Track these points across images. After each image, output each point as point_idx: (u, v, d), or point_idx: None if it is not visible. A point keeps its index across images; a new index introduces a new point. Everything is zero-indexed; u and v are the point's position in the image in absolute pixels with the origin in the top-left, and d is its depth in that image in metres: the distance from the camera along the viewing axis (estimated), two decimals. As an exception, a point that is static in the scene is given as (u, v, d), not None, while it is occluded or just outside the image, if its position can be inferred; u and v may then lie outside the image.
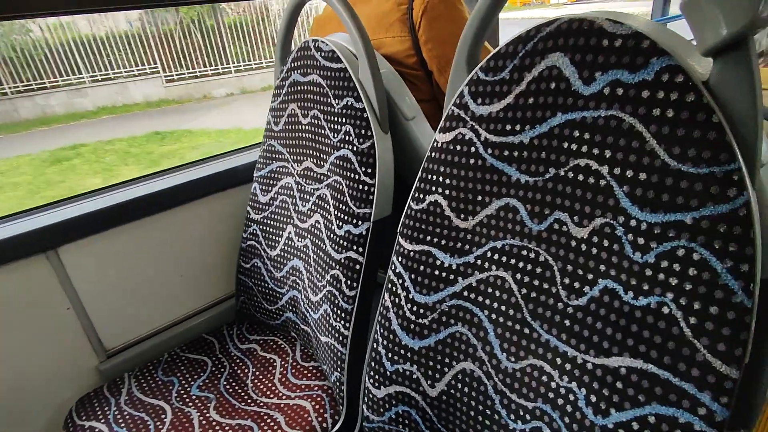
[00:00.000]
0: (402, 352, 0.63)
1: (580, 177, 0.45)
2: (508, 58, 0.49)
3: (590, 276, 0.45)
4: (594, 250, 0.44)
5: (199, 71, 7.90)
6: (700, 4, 0.36)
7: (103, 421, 0.82)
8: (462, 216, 0.56)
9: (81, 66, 7.15)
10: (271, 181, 0.95)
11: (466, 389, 0.58)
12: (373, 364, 0.67)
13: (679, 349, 0.38)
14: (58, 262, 0.87)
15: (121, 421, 0.82)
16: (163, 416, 0.82)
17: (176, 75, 7.79)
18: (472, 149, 0.54)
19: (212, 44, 7.91)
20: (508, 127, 0.50)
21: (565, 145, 0.45)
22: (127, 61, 7.48)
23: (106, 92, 7.37)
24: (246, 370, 0.93)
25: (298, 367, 0.91)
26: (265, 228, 0.96)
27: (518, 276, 0.51)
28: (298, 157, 0.87)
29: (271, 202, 0.95)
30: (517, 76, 0.48)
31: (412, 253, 0.61)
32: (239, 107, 7.35)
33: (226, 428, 0.79)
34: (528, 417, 0.51)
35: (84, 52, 7.14)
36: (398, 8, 0.82)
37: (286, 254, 0.92)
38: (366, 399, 0.70)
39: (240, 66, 8.15)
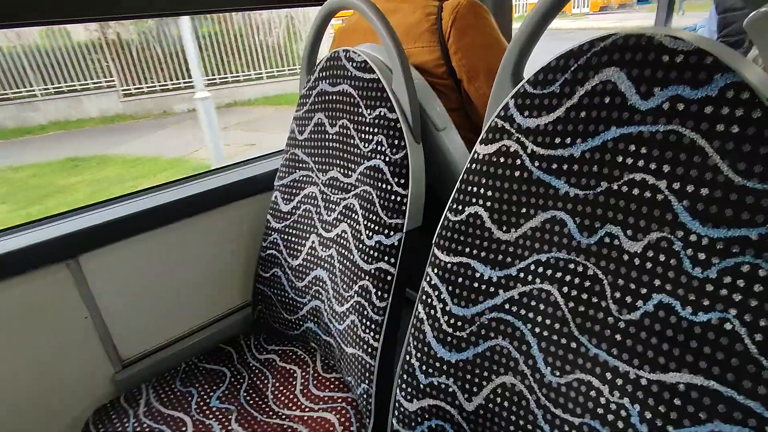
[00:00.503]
0: (437, 364, 0.63)
1: (636, 191, 0.44)
2: (559, 72, 0.49)
3: (643, 290, 0.44)
4: (648, 265, 0.44)
5: (159, 85, 7.54)
6: (766, 27, 0.36)
7: None
8: (504, 228, 0.56)
9: (32, 78, 6.79)
10: (294, 190, 0.94)
11: (506, 403, 0.57)
12: (405, 376, 0.66)
13: (744, 366, 0.38)
14: (79, 271, 0.86)
15: None
16: (183, 428, 0.81)
17: (134, 89, 7.43)
18: (518, 161, 0.54)
19: (176, 56, 7.55)
20: (558, 140, 0.50)
21: (620, 159, 0.45)
22: (82, 73, 7.09)
23: (60, 106, 6.98)
24: (266, 381, 0.91)
25: (320, 378, 0.90)
26: (286, 237, 0.96)
27: (565, 289, 0.51)
28: (324, 167, 0.87)
29: (294, 211, 0.94)
30: (569, 90, 0.48)
31: (449, 265, 0.61)
32: (192, 126, 6.76)
33: None
34: None
35: (38, 63, 6.76)
36: (427, 18, 0.82)
37: (308, 264, 0.91)
38: (396, 412, 0.69)
39: (215, 79, 7.87)
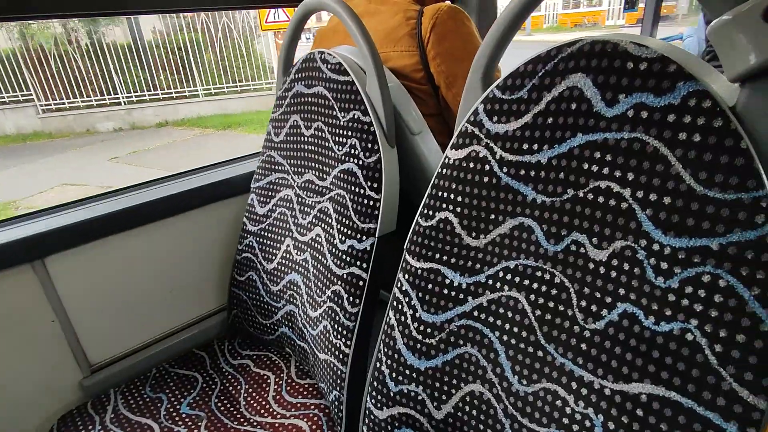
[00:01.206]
0: (407, 372, 0.62)
1: (601, 199, 0.44)
2: (527, 77, 0.49)
3: (608, 299, 0.44)
4: (613, 273, 0.44)
5: (82, 101, 6.83)
6: (728, 33, 0.36)
7: None
8: (473, 234, 0.55)
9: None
10: (270, 193, 0.93)
11: (474, 412, 0.56)
12: (375, 384, 0.65)
13: (704, 377, 0.37)
14: (45, 273, 0.84)
15: None
16: None
17: (55, 105, 6.71)
18: (486, 167, 0.53)
19: (99, 69, 6.84)
20: (525, 146, 0.49)
21: (585, 166, 0.45)
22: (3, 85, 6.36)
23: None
24: (239, 387, 0.89)
25: (293, 384, 0.88)
26: (261, 240, 0.94)
27: (532, 297, 0.50)
28: (299, 169, 0.86)
29: (269, 213, 0.93)
30: (536, 95, 0.48)
31: (419, 271, 0.60)
32: (100, 149, 6.14)
33: None
34: None
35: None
36: (407, 23, 0.82)
37: (283, 268, 0.90)
38: (366, 420, 0.67)
39: (132, 96, 7.15)
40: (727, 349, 0.36)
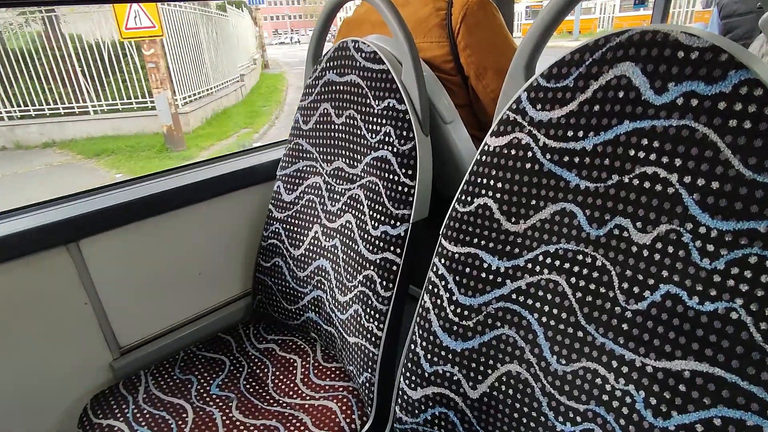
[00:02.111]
0: (442, 353, 0.64)
1: (646, 184, 0.46)
2: (573, 66, 0.50)
3: (651, 281, 0.46)
4: (657, 256, 0.45)
5: None
6: None
7: (122, 419, 0.80)
8: (513, 219, 0.57)
9: None
10: (297, 180, 0.94)
11: (510, 391, 0.58)
12: (409, 365, 0.67)
13: (749, 353, 0.39)
14: (79, 256, 0.85)
15: (141, 420, 0.80)
16: (184, 415, 0.81)
17: None
18: (529, 154, 0.54)
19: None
20: (570, 134, 0.51)
21: (632, 152, 0.46)
22: None
23: None
24: (265, 370, 0.92)
25: (320, 367, 0.90)
26: (288, 227, 0.96)
27: (573, 280, 0.52)
28: (329, 157, 0.87)
29: (296, 201, 0.95)
30: (583, 83, 0.49)
31: (456, 255, 0.62)
32: None
33: (251, 428, 0.78)
34: (579, 419, 0.52)
35: None
36: (437, 13, 0.83)
37: (311, 254, 0.91)
38: (399, 400, 0.70)
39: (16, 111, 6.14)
40: None
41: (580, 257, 0.51)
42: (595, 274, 0.50)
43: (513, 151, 0.56)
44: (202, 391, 0.86)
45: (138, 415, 0.81)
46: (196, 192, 0.99)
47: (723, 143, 0.41)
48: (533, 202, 0.55)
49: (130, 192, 0.92)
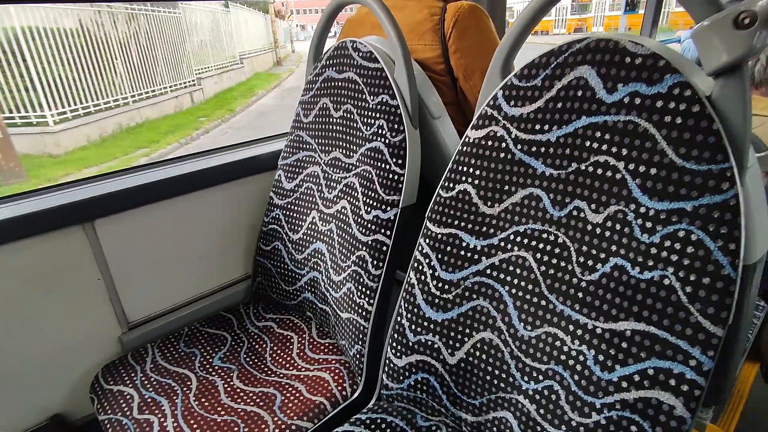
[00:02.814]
0: (425, 324, 0.71)
1: (599, 171, 0.53)
2: (542, 68, 0.57)
3: (602, 255, 0.53)
4: (607, 233, 0.53)
5: None
6: (706, 36, 0.45)
7: (130, 385, 0.87)
8: (489, 203, 0.64)
9: None
10: (297, 169, 1.02)
11: (483, 356, 0.65)
12: (396, 335, 0.75)
13: (676, 312, 0.47)
14: (94, 234, 0.92)
15: (148, 385, 0.87)
16: (189, 383, 0.88)
17: None
18: (503, 144, 0.62)
19: None
20: (538, 127, 0.58)
21: (587, 143, 0.54)
22: None
23: None
24: (264, 346, 0.99)
25: (315, 343, 0.98)
26: (288, 213, 1.03)
27: (538, 256, 0.59)
28: (327, 148, 0.95)
29: (296, 189, 1.02)
30: (548, 83, 0.57)
31: (439, 236, 0.69)
32: None
33: (251, 395, 0.85)
34: (540, 377, 0.59)
35: None
36: (431, 18, 0.90)
37: (309, 237, 0.98)
38: (386, 368, 0.77)
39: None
40: (695, 290, 0.46)
41: (544, 236, 0.59)
42: (557, 251, 0.57)
43: (490, 143, 0.63)
44: (205, 362, 0.93)
45: (146, 381, 0.88)
46: (203, 179, 1.06)
47: (660, 135, 0.48)
48: (506, 187, 0.62)
49: (142, 177, 0.99)
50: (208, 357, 0.95)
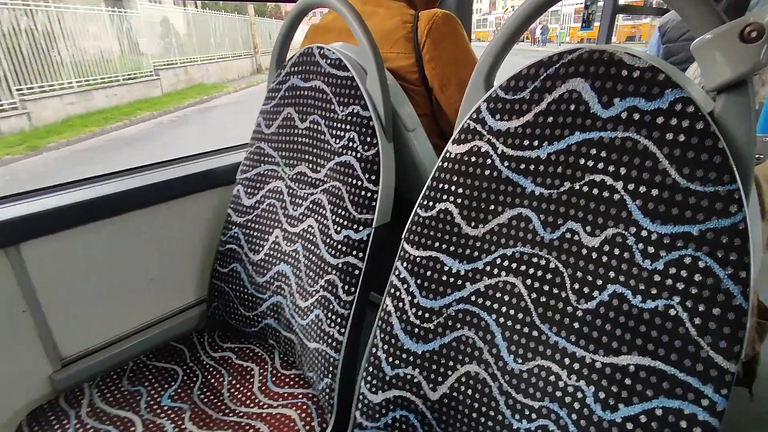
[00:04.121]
0: (404, 356, 0.65)
1: (595, 191, 0.49)
2: (530, 80, 0.53)
3: (600, 281, 0.49)
4: (604, 258, 0.49)
5: None
6: (709, 49, 0.42)
7: None
8: (473, 224, 0.59)
9: None
10: (258, 184, 0.93)
11: (469, 391, 0.60)
12: (371, 369, 0.68)
13: (685, 346, 0.43)
14: (19, 259, 0.80)
15: None
16: (132, 428, 0.77)
17: None
18: (488, 161, 0.57)
19: None
20: (526, 143, 0.54)
21: (582, 161, 0.50)
22: None
23: None
24: (221, 379, 0.89)
25: (279, 375, 0.89)
26: (248, 231, 0.94)
27: (528, 281, 0.55)
28: (291, 161, 0.87)
29: (257, 205, 0.93)
30: (538, 96, 0.53)
31: (418, 259, 0.63)
32: None
33: None
34: (534, 416, 0.54)
35: None
36: (403, 26, 0.85)
37: (271, 258, 0.90)
38: (360, 405, 0.70)
39: None
40: (705, 322, 0.42)
41: (535, 260, 0.54)
42: (549, 276, 0.53)
43: (473, 158, 0.58)
44: (152, 402, 0.83)
45: (80, 429, 0.76)
46: (150, 195, 0.95)
47: (661, 154, 0.45)
48: (492, 207, 0.57)
49: (78, 194, 0.87)
50: (155, 396, 0.84)
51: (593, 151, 0.49)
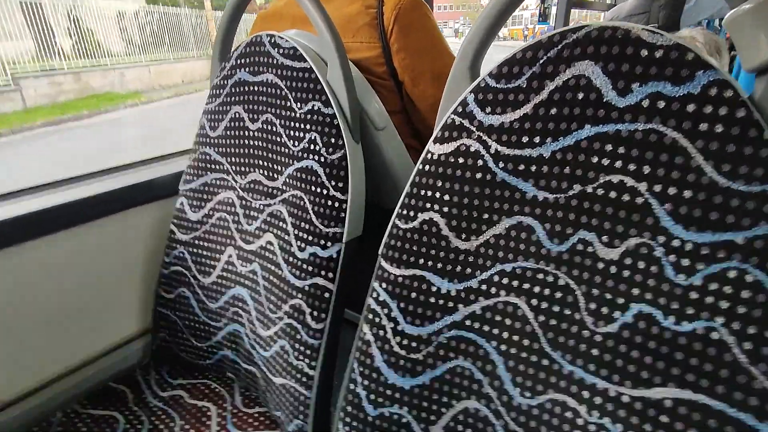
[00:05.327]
0: (388, 392, 0.55)
1: (612, 194, 0.41)
2: (526, 65, 0.45)
3: (621, 300, 0.42)
4: (626, 273, 0.41)
5: None
6: (749, 23, 0.35)
7: None
8: (463, 236, 0.50)
9: None
10: (205, 196, 0.81)
11: (469, 431, 0.51)
12: (349, 408, 0.58)
13: (734, 377, 0.36)
14: None
15: None
16: None
17: None
18: (479, 162, 0.48)
19: None
20: (525, 139, 0.46)
21: (595, 159, 0.42)
22: None
23: None
24: (171, 424, 0.76)
25: (240, 414, 0.77)
26: (195, 251, 0.81)
27: (534, 302, 0.47)
28: (242, 168, 0.75)
29: (205, 220, 0.81)
30: (537, 84, 0.44)
31: (400, 279, 0.54)
32: None
33: None
34: None
35: None
36: (366, 12, 0.75)
37: (225, 281, 0.78)
38: None
39: None
40: (758, 347, 0.35)
41: (540, 276, 0.46)
42: (558, 295, 0.45)
43: (461, 159, 0.50)
44: None
45: None
46: (77, 212, 0.80)
47: (694, 148, 0.37)
48: (485, 215, 0.49)
49: None
50: None
51: (608, 148, 0.41)
